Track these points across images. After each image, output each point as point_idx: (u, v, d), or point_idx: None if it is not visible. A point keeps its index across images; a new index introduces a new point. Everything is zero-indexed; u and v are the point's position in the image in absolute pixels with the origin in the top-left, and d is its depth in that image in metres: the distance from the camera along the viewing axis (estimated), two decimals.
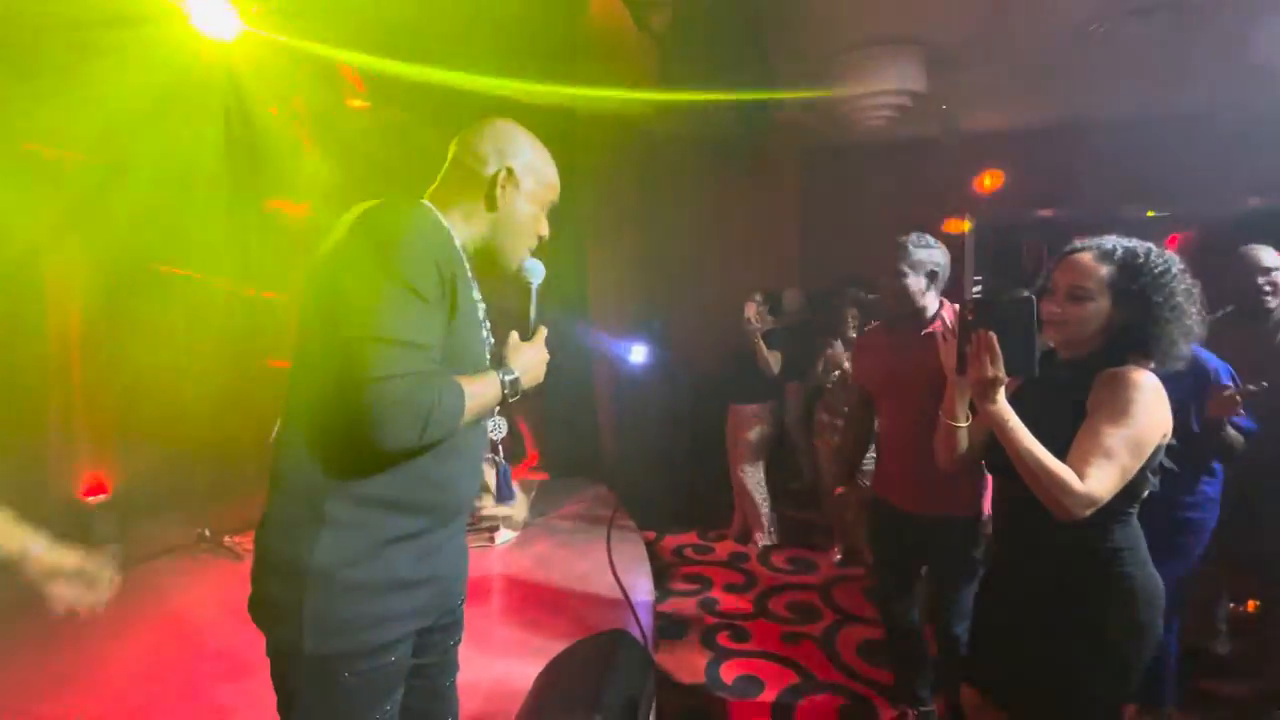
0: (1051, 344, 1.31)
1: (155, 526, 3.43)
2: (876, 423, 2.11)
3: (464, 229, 1.10)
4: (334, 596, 0.95)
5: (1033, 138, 5.94)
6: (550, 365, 1.20)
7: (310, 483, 0.97)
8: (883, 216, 6.26)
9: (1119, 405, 1.15)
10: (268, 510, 1.02)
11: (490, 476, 1.30)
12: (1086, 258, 1.24)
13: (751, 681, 2.43)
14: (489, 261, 1.14)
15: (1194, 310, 1.20)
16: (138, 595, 2.78)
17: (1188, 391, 1.68)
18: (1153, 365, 1.21)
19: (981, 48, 4.10)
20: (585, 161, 4.39)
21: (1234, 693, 2.27)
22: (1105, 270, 1.22)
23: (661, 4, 3.40)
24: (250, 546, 1.26)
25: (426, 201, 1.09)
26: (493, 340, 1.16)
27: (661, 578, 3.25)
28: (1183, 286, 1.19)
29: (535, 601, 2.74)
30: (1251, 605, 2.57)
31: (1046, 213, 5.87)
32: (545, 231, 1.18)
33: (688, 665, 2.54)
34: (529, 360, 1.13)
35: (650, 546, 3.51)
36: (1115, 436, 1.13)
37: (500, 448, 1.30)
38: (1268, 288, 2.12)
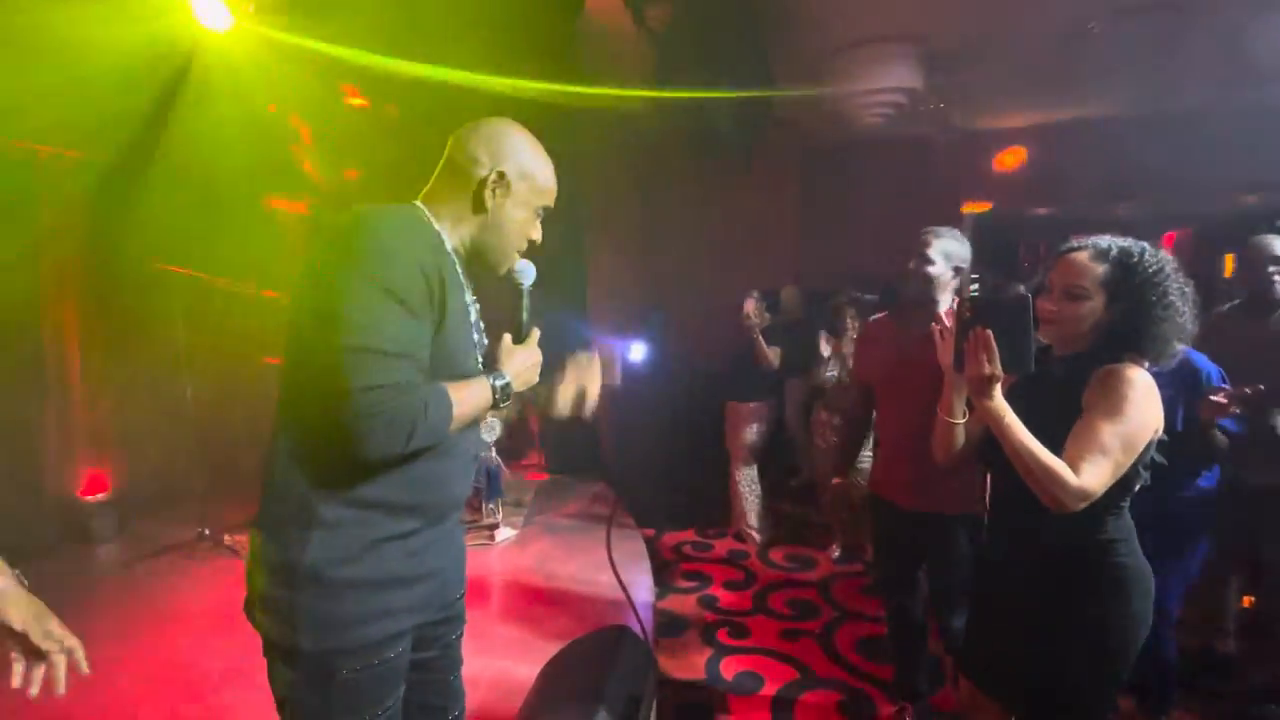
0: (1046, 341, 1.32)
1: (155, 525, 3.44)
2: (875, 418, 2.11)
3: (455, 231, 1.08)
4: (329, 595, 0.96)
5: (1030, 136, 5.95)
6: (547, 365, 1.19)
7: (301, 484, 0.97)
8: (880, 214, 6.29)
9: (1113, 401, 1.17)
10: (260, 511, 1.02)
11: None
12: (1082, 257, 1.26)
13: (751, 677, 2.44)
14: (479, 263, 1.13)
15: (1186, 309, 1.22)
16: (137, 593, 2.79)
17: (1175, 389, 1.70)
18: (1145, 363, 1.23)
19: (979, 46, 4.11)
20: (583, 159, 4.39)
21: (1234, 690, 2.29)
22: (1101, 269, 1.24)
23: (660, 1, 3.40)
24: None
25: (419, 202, 1.08)
26: (486, 342, 1.15)
27: (661, 575, 3.26)
28: (1176, 286, 1.21)
29: (536, 599, 2.74)
30: (1247, 601, 2.59)
31: (1043, 210, 5.89)
32: (537, 236, 1.16)
33: (688, 662, 2.55)
34: (521, 364, 1.11)
35: (650, 544, 3.52)
36: (1109, 432, 1.15)
37: (494, 449, 1.30)
38: (1277, 276, 2.13)
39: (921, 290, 1.81)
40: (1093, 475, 1.14)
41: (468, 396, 1.01)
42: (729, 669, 2.51)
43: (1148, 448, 1.20)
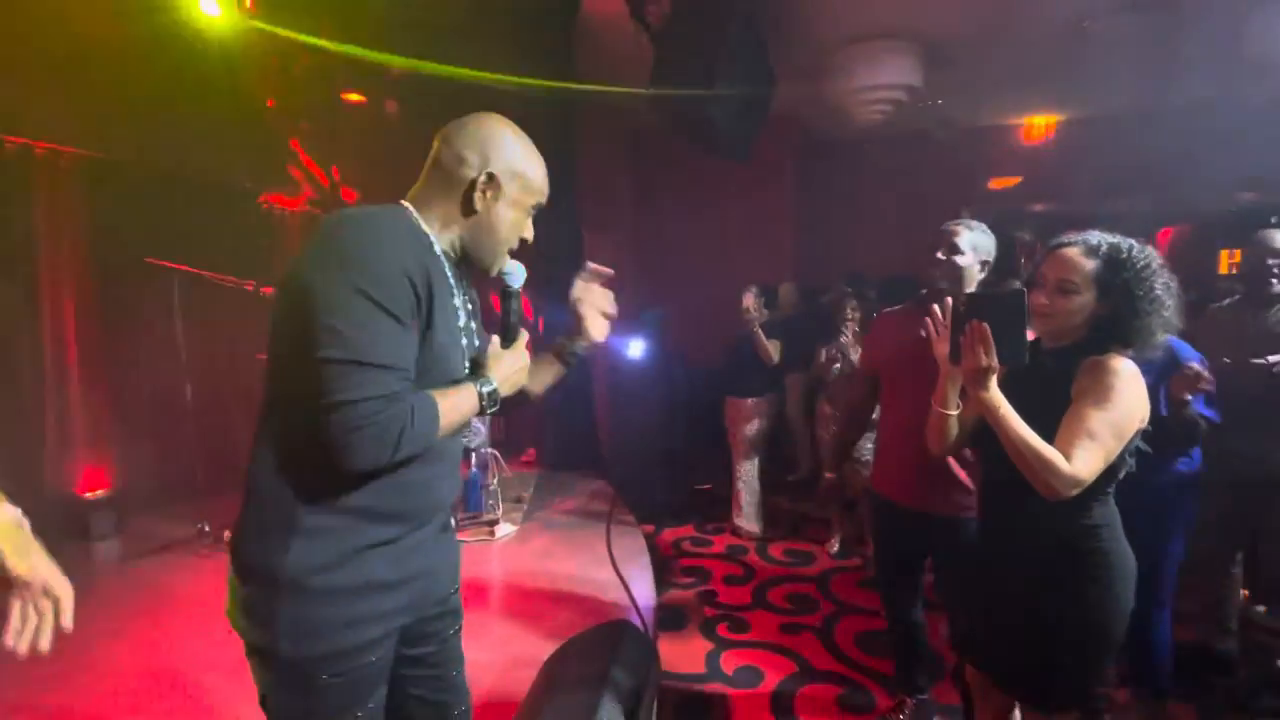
0: (1036, 334, 1.35)
1: (154, 522, 3.44)
2: (877, 412, 2.11)
3: (444, 232, 1.05)
4: (309, 602, 0.94)
5: (1028, 133, 5.96)
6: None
7: (283, 490, 0.95)
8: (878, 211, 6.31)
9: (1102, 391, 1.21)
10: (241, 516, 1.00)
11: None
12: (1073, 252, 1.30)
13: (751, 671, 2.46)
14: (470, 264, 1.10)
15: (1171, 302, 1.27)
16: (137, 590, 2.79)
17: (1157, 377, 1.72)
18: (1130, 353, 1.27)
19: (977, 43, 4.11)
20: (581, 155, 4.39)
21: (1232, 683, 2.30)
22: (1091, 265, 1.28)
23: None
24: None
25: (406, 203, 1.05)
26: (478, 344, 1.13)
27: (661, 571, 3.27)
28: (1161, 280, 1.26)
29: (537, 595, 2.75)
30: (1246, 595, 2.61)
31: (1040, 207, 5.91)
32: (529, 235, 1.13)
33: (688, 656, 2.56)
34: (508, 368, 1.09)
35: (649, 540, 3.53)
36: (1099, 420, 1.20)
37: (474, 455, 1.30)
38: (1276, 269, 2.15)
39: (952, 282, 1.78)
40: (1084, 462, 1.18)
41: (454, 404, 0.99)
42: (729, 663, 2.52)
43: (1135, 435, 1.25)
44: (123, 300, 3.60)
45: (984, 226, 1.84)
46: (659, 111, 3.74)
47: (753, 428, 3.72)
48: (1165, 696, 2.07)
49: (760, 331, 3.57)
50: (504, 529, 3.42)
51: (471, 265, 1.11)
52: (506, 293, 1.13)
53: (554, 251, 3.89)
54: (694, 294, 5.58)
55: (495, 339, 1.11)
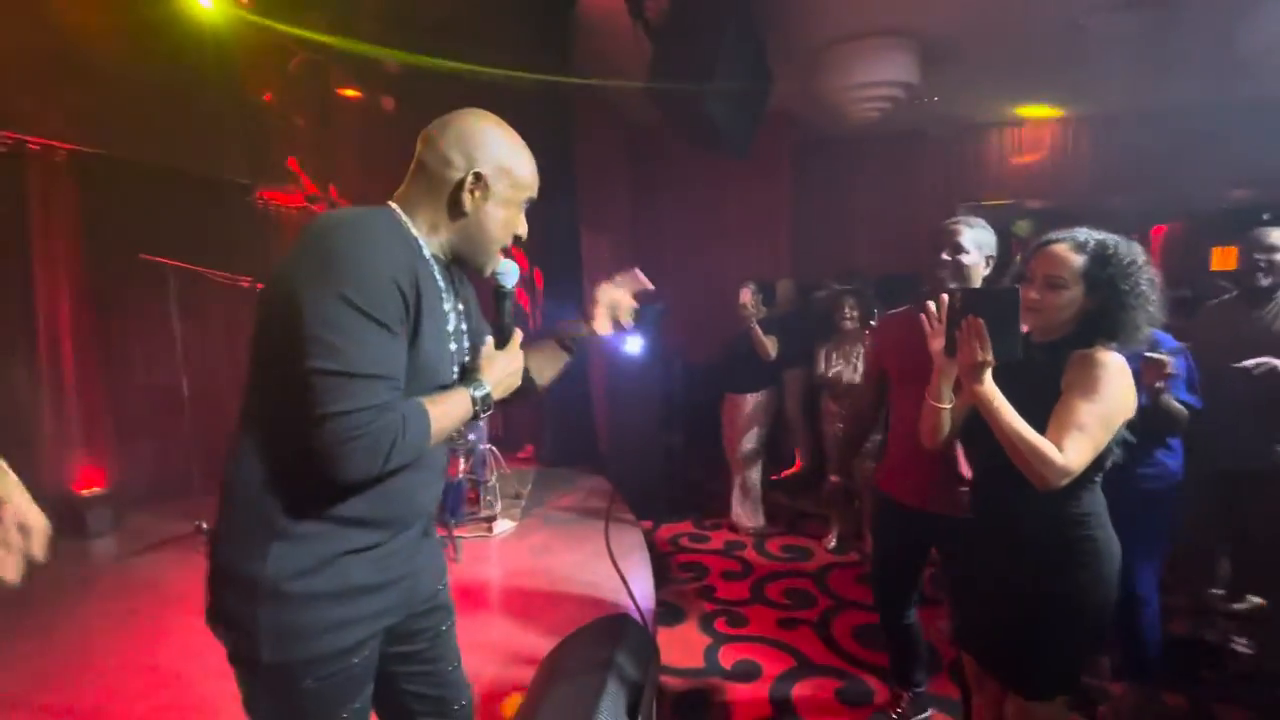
0: (1027, 328, 1.37)
1: (150, 519, 3.43)
2: (885, 415, 2.09)
3: (433, 235, 1.02)
4: (290, 607, 0.93)
5: (1023, 130, 5.98)
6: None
7: (263, 496, 0.94)
8: (875, 208, 6.32)
9: (1090, 384, 1.25)
10: (220, 521, 0.99)
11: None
12: (1062, 248, 1.33)
13: (749, 666, 2.47)
14: (462, 266, 1.08)
15: (1155, 297, 1.31)
16: (133, 587, 2.78)
17: (1139, 369, 1.75)
18: (1115, 346, 1.30)
19: (974, 41, 4.13)
20: (579, 152, 4.39)
21: (1222, 674, 2.33)
22: (1079, 260, 1.31)
23: None
24: None
25: (393, 205, 1.02)
26: (468, 345, 1.11)
27: (659, 566, 3.28)
28: (1146, 276, 1.30)
29: (535, 591, 2.76)
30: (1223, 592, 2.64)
31: (1035, 204, 5.94)
32: (523, 231, 1.10)
33: (686, 651, 2.58)
34: (502, 371, 1.07)
35: (647, 536, 3.54)
36: (1088, 412, 1.23)
37: (472, 452, 1.29)
38: (1263, 264, 2.19)
39: (957, 280, 1.76)
40: (1075, 453, 1.21)
41: (446, 410, 0.98)
42: (727, 658, 2.54)
43: (1122, 426, 1.29)
44: (118, 297, 3.59)
45: (983, 222, 1.84)
46: (657, 108, 3.74)
47: (751, 424, 3.73)
48: (1158, 687, 2.10)
49: (758, 327, 3.58)
50: (502, 525, 3.42)
51: (464, 268, 1.09)
52: (500, 293, 1.10)
53: (551, 248, 3.91)
54: (692, 290, 5.58)
55: (489, 341, 1.10)
